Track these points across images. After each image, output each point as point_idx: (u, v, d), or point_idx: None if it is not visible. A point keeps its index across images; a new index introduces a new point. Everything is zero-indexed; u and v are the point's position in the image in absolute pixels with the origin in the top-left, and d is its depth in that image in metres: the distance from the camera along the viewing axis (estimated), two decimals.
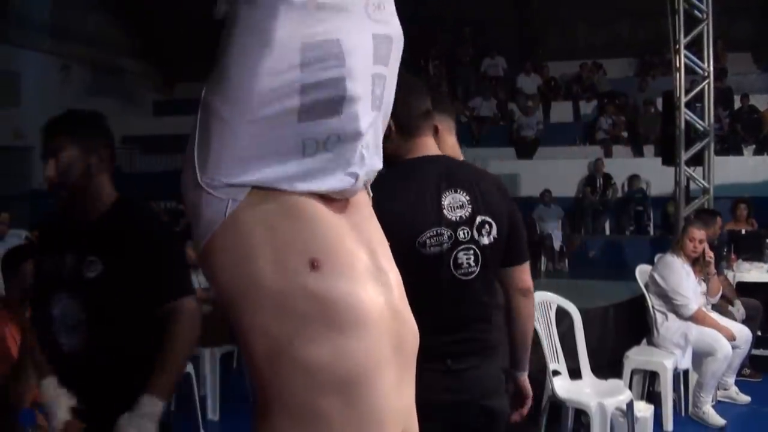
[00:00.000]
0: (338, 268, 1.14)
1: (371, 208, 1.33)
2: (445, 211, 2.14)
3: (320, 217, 1.16)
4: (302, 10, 1.09)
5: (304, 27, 1.10)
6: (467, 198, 2.18)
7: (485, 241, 2.19)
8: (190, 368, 4.89)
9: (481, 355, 2.24)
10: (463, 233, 2.16)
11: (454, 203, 2.16)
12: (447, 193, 2.16)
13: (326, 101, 1.12)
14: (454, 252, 2.15)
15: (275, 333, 1.13)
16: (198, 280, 5.42)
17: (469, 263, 2.16)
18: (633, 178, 12.34)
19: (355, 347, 1.14)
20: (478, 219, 2.18)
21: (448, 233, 2.14)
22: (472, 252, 2.17)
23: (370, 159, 1.22)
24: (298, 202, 1.15)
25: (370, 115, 1.19)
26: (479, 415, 2.21)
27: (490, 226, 2.20)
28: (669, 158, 8.43)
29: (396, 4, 1.25)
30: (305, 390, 1.14)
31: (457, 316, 2.19)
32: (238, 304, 1.16)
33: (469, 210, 2.17)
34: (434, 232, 2.13)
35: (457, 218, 2.16)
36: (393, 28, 1.23)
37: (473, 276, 2.17)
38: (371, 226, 1.29)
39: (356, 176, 1.19)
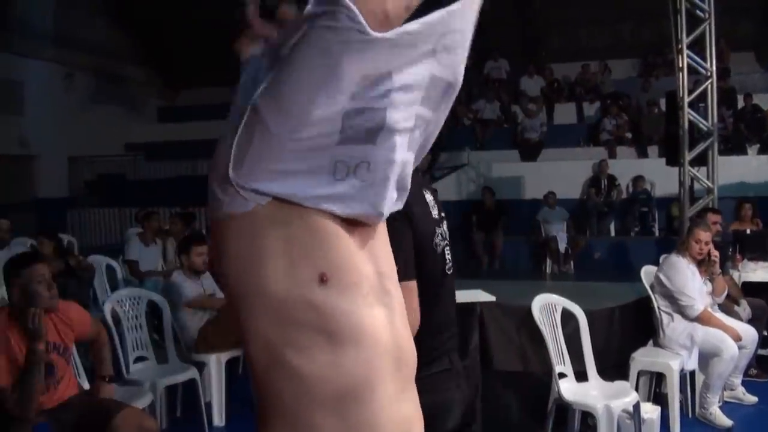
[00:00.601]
0: (345, 285, 1.17)
1: (385, 229, 1.35)
2: (432, 210, 2.21)
3: (335, 235, 1.19)
4: (376, 44, 1.08)
5: (369, 61, 1.09)
6: (433, 197, 2.25)
7: (448, 236, 2.27)
8: (195, 374, 4.90)
9: (457, 348, 2.32)
10: (443, 230, 2.24)
11: (431, 202, 2.23)
12: (425, 192, 2.23)
13: (365, 129, 1.12)
14: (444, 248, 2.22)
15: (273, 340, 1.17)
16: (203, 286, 5.45)
17: (450, 258, 2.25)
18: (637, 179, 12.32)
19: (352, 362, 1.17)
20: (441, 215, 2.26)
21: (440, 231, 2.22)
22: (449, 247, 2.25)
23: (398, 198, 1.24)
24: (317, 218, 1.17)
25: (404, 153, 1.19)
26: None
27: (446, 222, 2.29)
28: (673, 159, 8.41)
29: None
30: (299, 400, 1.17)
31: (448, 312, 2.27)
32: (243, 306, 1.19)
33: (437, 208, 2.24)
34: (437, 231, 2.20)
35: (438, 216, 2.23)
36: (455, 75, 1.21)
37: (452, 271, 2.26)
38: (383, 249, 1.31)
39: (381, 213, 1.21)
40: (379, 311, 1.22)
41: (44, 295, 3.42)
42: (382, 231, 1.32)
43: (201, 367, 5.07)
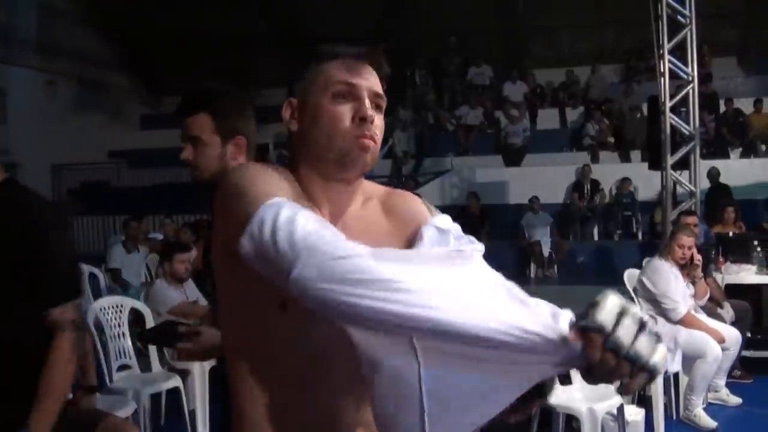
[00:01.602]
0: (300, 315, 1.28)
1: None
2: None
3: None
4: None
5: None
6: None
7: None
8: (178, 383, 4.87)
9: None
10: None
11: None
12: None
13: None
14: None
15: (233, 340, 1.41)
16: (186, 294, 5.42)
17: None
18: (623, 181, 12.39)
19: (286, 374, 1.36)
20: None
21: None
22: None
23: None
24: None
25: None
26: None
27: None
28: (655, 163, 8.46)
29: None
30: (246, 398, 1.39)
31: None
32: (224, 304, 1.42)
33: None
34: None
35: None
36: None
37: None
38: None
39: None
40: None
41: None
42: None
43: (184, 375, 5.04)
